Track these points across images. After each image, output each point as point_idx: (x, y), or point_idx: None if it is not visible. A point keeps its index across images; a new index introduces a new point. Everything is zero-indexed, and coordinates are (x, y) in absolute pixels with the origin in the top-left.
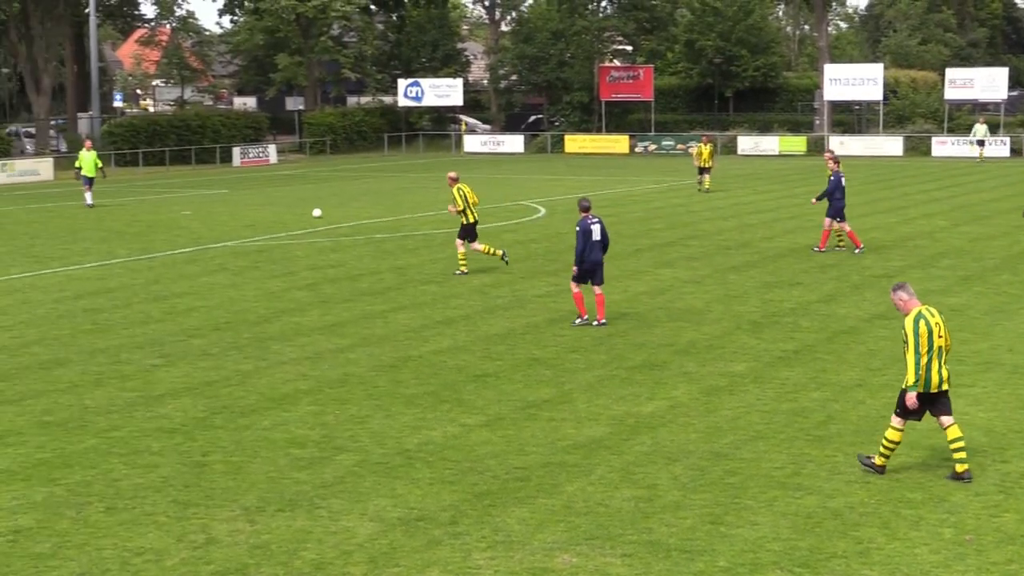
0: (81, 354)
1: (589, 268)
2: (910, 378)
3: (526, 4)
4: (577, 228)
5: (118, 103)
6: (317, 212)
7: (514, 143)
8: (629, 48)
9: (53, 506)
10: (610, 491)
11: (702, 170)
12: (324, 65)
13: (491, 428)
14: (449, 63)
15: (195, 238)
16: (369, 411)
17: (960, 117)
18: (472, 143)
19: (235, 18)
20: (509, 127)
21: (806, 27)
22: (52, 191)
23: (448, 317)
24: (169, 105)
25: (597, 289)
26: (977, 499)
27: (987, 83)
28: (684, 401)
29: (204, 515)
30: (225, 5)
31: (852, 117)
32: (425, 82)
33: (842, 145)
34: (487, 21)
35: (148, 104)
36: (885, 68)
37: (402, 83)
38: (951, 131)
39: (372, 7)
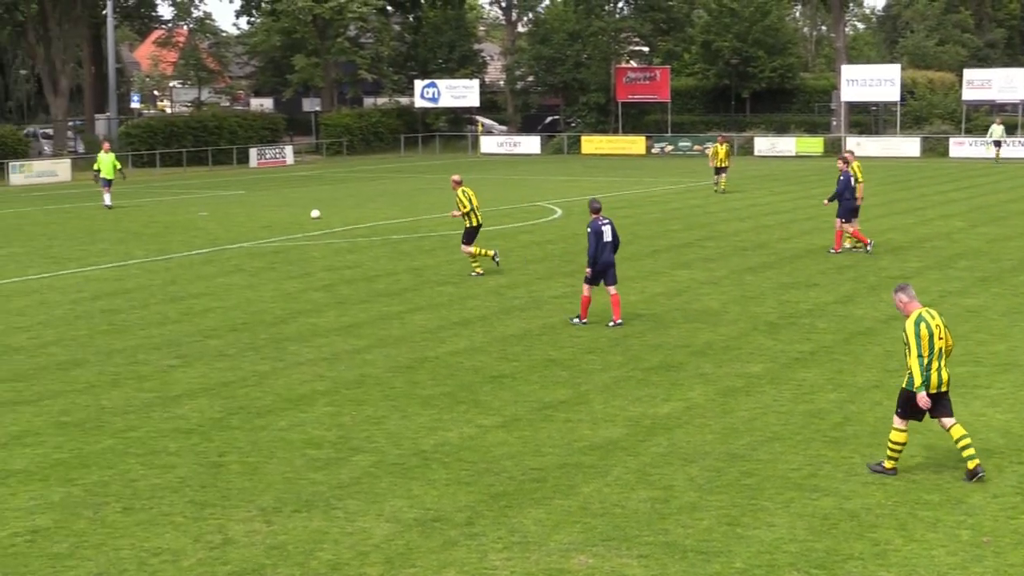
0: (98, 355)
1: (601, 269)
2: (916, 380)
3: (543, 5)
4: (588, 230)
5: (135, 104)
6: (315, 213)
7: (530, 144)
8: (646, 49)
9: (70, 506)
10: (626, 492)
11: (718, 170)
12: (341, 66)
13: (507, 429)
14: (466, 64)
15: (212, 239)
16: (385, 412)
17: (978, 118)
18: (488, 144)
19: (252, 19)
20: (525, 128)
21: (823, 28)
22: (70, 192)
23: (465, 318)
24: (186, 106)
25: (611, 289)
26: (995, 501)
27: (1005, 84)
28: (700, 402)
29: (221, 515)
30: (242, 6)
31: (869, 118)
32: (442, 83)
33: (859, 146)
34: (504, 22)
35: (165, 105)
36: (902, 69)
37: (419, 84)
38: (969, 132)
39: (389, 8)
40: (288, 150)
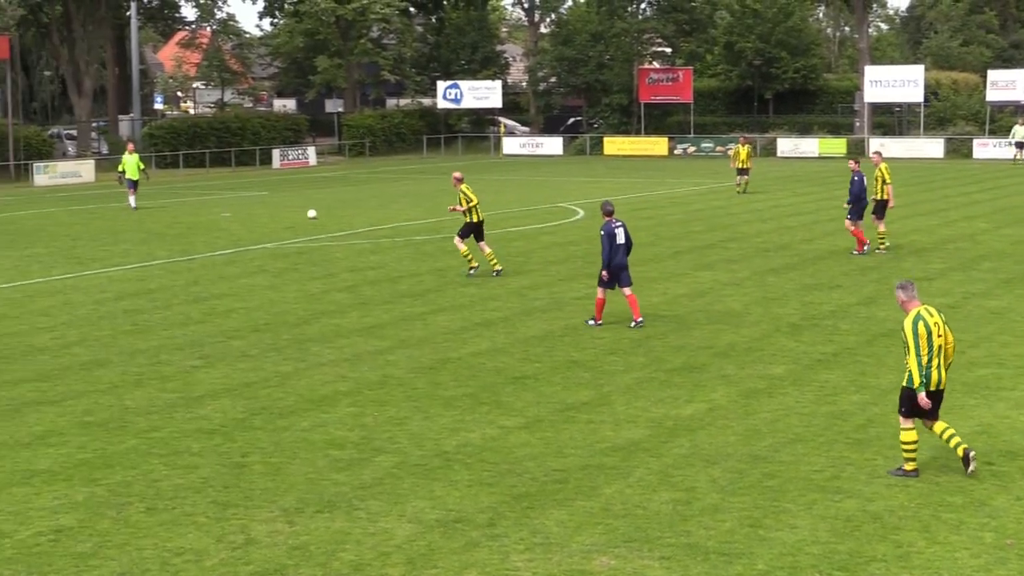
0: (121, 355)
1: (615, 272)
2: (915, 380)
3: (565, 6)
4: (601, 232)
5: (159, 105)
6: (312, 213)
7: (553, 145)
8: (668, 50)
9: (94, 506)
10: (648, 493)
11: (740, 171)
12: (363, 67)
13: (529, 430)
14: (488, 65)
15: (235, 240)
16: (408, 413)
17: (1002, 119)
18: (511, 145)
19: (275, 20)
20: (548, 129)
21: (846, 29)
22: (93, 193)
23: (487, 319)
24: (209, 107)
25: (627, 291)
26: (1018, 503)
27: None
28: (723, 404)
29: (243, 516)
30: (265, 8)
31: (893, 119)
32: (464, 84)
33: (882, 147)
34: (526, 23)
35: (188, 106)
36: (926, 70)
37: (441, 85)
38: (993, 133)
39: (411, 9)
40: (311, 151)
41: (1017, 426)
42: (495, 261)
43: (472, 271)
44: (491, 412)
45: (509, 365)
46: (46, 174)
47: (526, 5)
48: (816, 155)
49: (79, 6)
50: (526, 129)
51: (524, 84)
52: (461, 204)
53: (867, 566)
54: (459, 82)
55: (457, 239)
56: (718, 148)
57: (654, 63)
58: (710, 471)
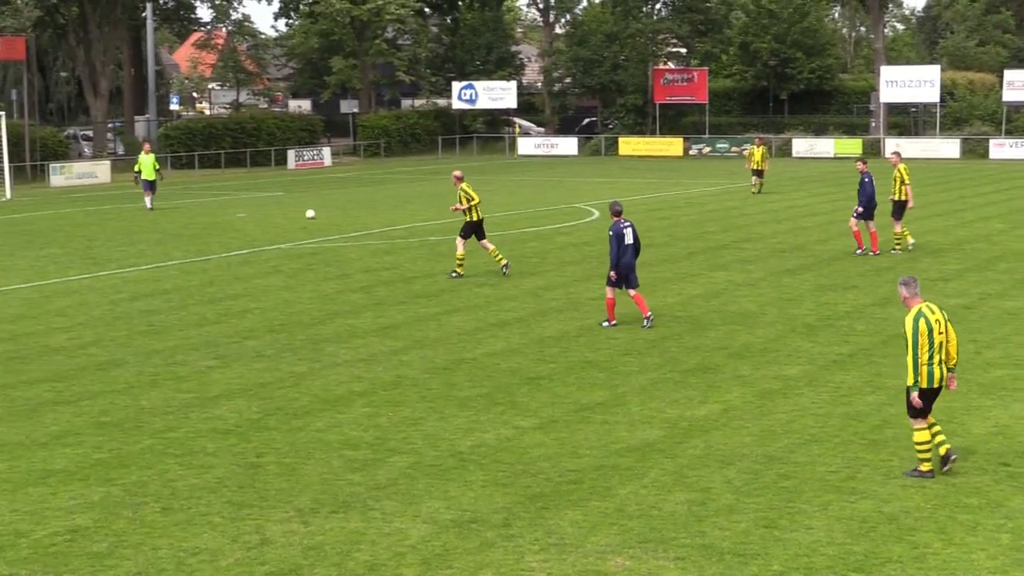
0: (137, 355)
1: (624, 272)
2: (909, 378)
3: (580, 7)
4: (610, 232)
5: (174, 106)
6: (310, 213)
7: (568, 146)
8: (683, 50)
9: (110, 506)
10: (663, 494)
11: (755, 172)
12: (378, 68)
13: (544, 431)
14: (503, 66)
15: (250, 240)
16: (422, 413)
17: (1019, 119)
18: (526, 146)
19: (290, 21)
20: (563, 130)
21: (862, 29)
22: (109, 193)
23: (502, 320)
24: (225, 108)
25: (632, 292)
26: None
27: None
28: (738, 404)
29: (258, 516)
30: (280, 9)
31: (908, 119)
32: (479, 85)
33: (898, 147)
34: (541, 24)
35: (204, 107)
36: (942, 70)
37: (456, 86)
38: (1009, 134)
39: (426, 10)
40: (326, 152)
41: None
42: (500, 257)
43: (455, 274)
44: (506, 413)
45: (524, 366)
46: (62, 175)
47: (541, 6)
48: (831, 156)
49: (95, 7)
50: (541, 130)
51: (539, 85)
52: (462, 203)
53: (883, 567)
54: (474, 83)
55: (459, 240)
56: (733, 149)
57: (669, 63)
58: (725, 472)
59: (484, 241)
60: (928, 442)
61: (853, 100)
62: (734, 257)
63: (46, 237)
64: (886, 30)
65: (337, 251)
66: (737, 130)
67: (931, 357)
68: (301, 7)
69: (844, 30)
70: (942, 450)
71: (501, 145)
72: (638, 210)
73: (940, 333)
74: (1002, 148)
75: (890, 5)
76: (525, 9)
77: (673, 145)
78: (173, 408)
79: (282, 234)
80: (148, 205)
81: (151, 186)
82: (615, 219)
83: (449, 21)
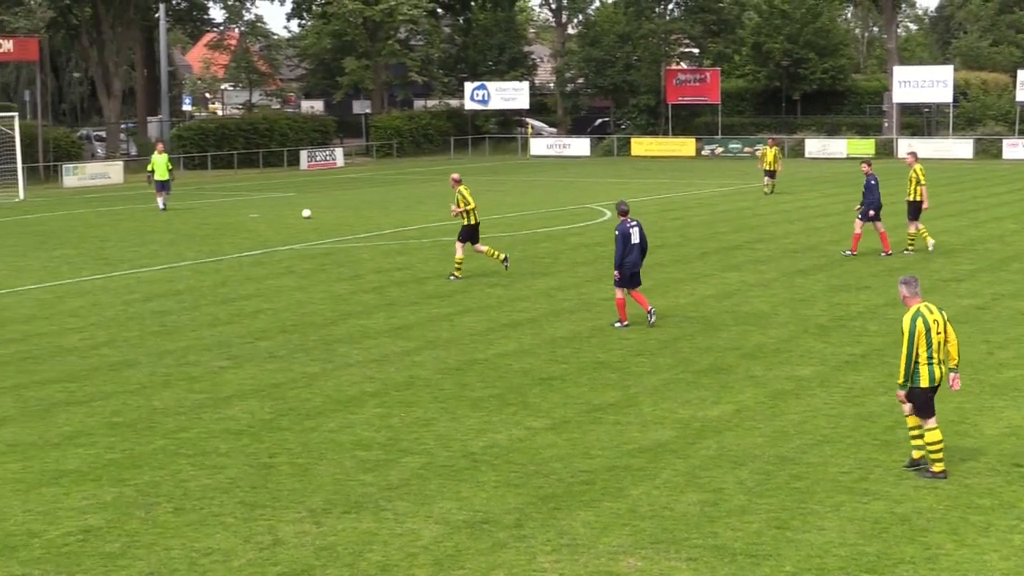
0: (150, 356)
1: (629, 271)
2: (899, 375)
3: (593, 7)
4: (616, 232)
5: (187, 107)
6: (306, 212)
7: (580, 146)
8: (696, 51)
9: (122, 506)
10: (675, 495)
11: (768, 173)
12: (391, 68)
13: (556, 431)
14: (515, 66)
15: (262, 241)
16: (435, 414)
17: None
18: (538, 146)
19: (303, 22)
20: (575, 130)
21: (875, 29)
22: (122, 194)
23: (514, 320)
24: (237, 109)
25: (634, 292)
26: None
27: None
28: (750, 405)
29: (271, 516)
30: (293, 9)
31: (921, 120)
32: (491, 85)
33: (910, 147)
34: (553, 24)
35: (216, 108)
36: (955, 70)
37: (468, 86)
38: (1022, 134)
39: (439, 10)
40: (338, 152)
41: None
42: (496, 254)
43: (454, 277)
44: (518, 413)
45: (536, 366)
46: (75, 175)
47: (553, 6)
48: (844, 156)
49: (108, 8)
50: (553, 130)
51: (551, 85)
52: (459, 205)
53: (895, 568)
54: (486, 83)
55: (458, 244)
56: (746, 149)
57: (682, 64)
58: (737, 472)
59: (477, 245)
60: (940, 442)
61: (866, 100)
62: (746, 258)
63: (59, 238)
64: (899, 30)
65: (349, 252)
66: (749, 130)
67: (930, 357)
68: (314, 8)
69: (857, 30)
70: (915, 454)
71: (513, 146)
72: (650, 211)
73: (938, 333)
74: (1015, 148)
75: (903, 5)
76: (537, 9)
77: (685, 146)
78: (185, 408)
79: (295, 235)
80: (160, 205)
81: (164, 186)
82: (622, 218)
83: (461, 21)
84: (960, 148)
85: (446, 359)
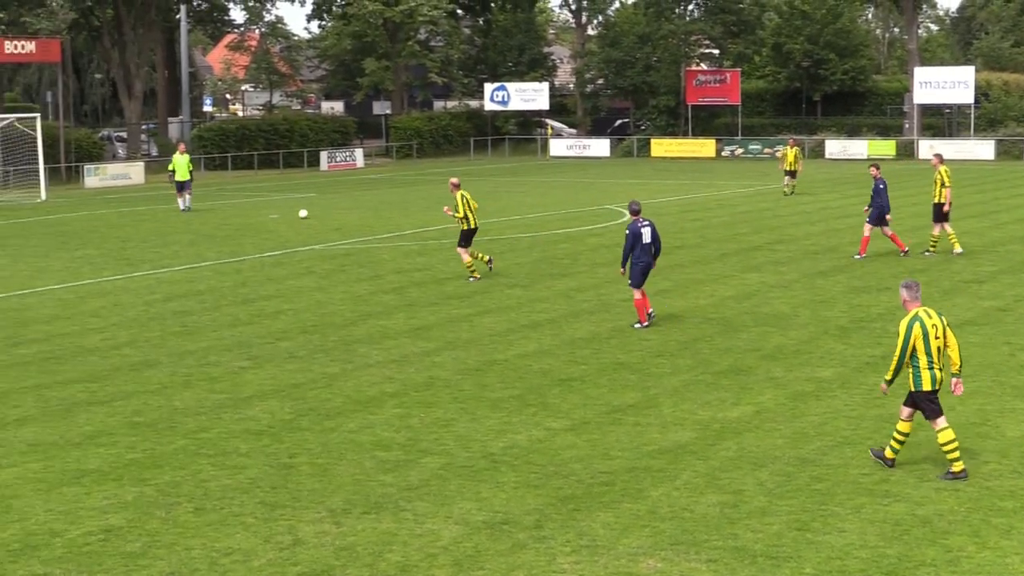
0: (170, 356)
1: (643, 271)
2: (888, 372)
3: (613, 8)
4: (627, 231)
5: (208, 107)
6: (303, 212)
7: (600, 147)
8: (716, 52)
9: (143, 506)
10: (695, 496)
11: (788, 173)
12: (411, 69)
13: (576, 432)
14: (535, 67)
15: (283, 241)
16: (454, 414)
17: None
18: (558, 147)
19: (323, 23)
20: (595, 131)
21: (896, 30)
22: (143, 195)
23: (533, 321)
24: (258, 109)
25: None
26: None
27: None
28: (770, 406)
29: (291, 516)
30: (313, 10)
31: (942, 121)
32: (511, 86)
33: (932, 149)
34: (573, 25)
35: (237, 108)
36: (977, 71)
37: (488, 87)
38: None
39: (459, 11)
40: (358, 153)
41: None
42: (481, 255)
43: (473, 279)
44: (537, 414)
45: (555, 367)
46: (96, 176)
47: (573, 7)
48: (865, 157)
49: (130, 9)
50: (573, 131)
51: (571, 86)
52: (458, 211)
53: (916, 571)
54: (506, 84)
55: (460, 249)
56: (766, 150)
57: (702, 65)
58: (757, 474)
59: (462, 250)
60: (951, 440)
61: (886, 101)
62: (767, 259)
63: (80, 238)
64: (920, 31)
65: (369, 252)
66: (770, 131)
67: (930, 362)
68: (334, 9)
69: (877, 31)
70: (888, 453)
71: (533, 147)
72: (670, 211)
73: (937, 338)
74: None
75: (924, 6)
76: (557, 10)
77: (705, 147)
78: (206, 409)
79: (315, 235)
80: (181, 206)
81: (185, 186)
82: (633, 218)
83: (481, 22)
84: (981, 149)
85: (466, 360)
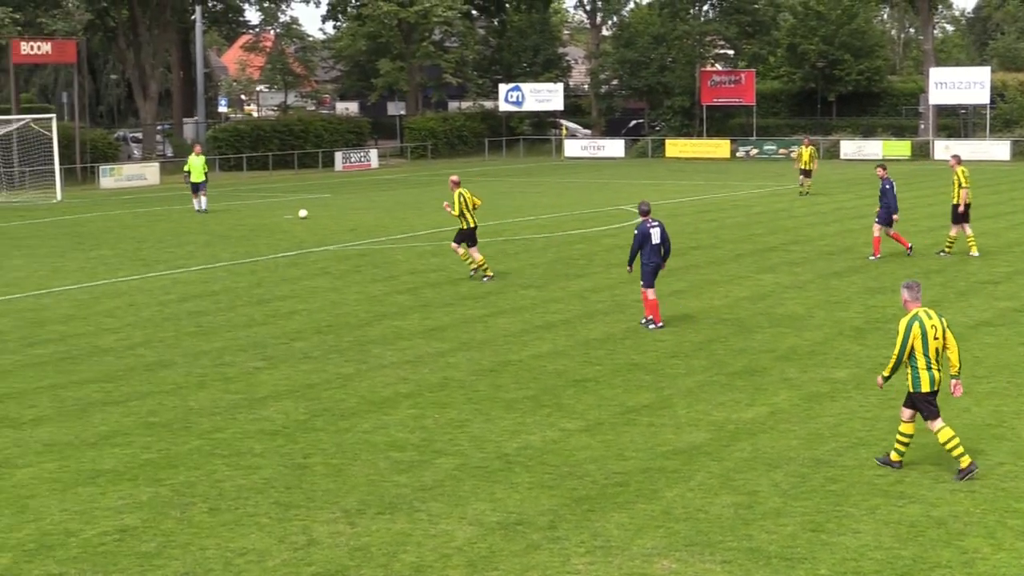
0: (185, 356)
1: (653, 272)
2: (886, 370)
3: (627, 8)
4: (636, 231)
5: (223, 108)
6: (303, 212)
7: (614, 148)
8: (731, 52)
9: (158, 506)
10: (710, 497)
11: (803, 172)
12: (425, 70)
13: (590, 433)
14: (550, 68)
15: (297, 242)
16: (469, 415)
17: None
18: (572, 148)
19: (338, 24)
20: (610, 132)
21: (911, 30)
22: (158, 195)
23: (548, 321)
24: (273, 110)
25: (646, 290)
26: None
27: None
28: (785, 407)
29: (305, 517)
30: (328, 11)
31: (958, 121)
32: (526, 87)
33: (947, 149)
34: (588, 26)
35: (252, 109)
36: (992, 71)
37: (503, 88)
38: None
39: (473, 12)
40: (373, 153)
41: None
42: (486, 267)
43: (487, 278)
44: (552, 415)
45: (570, 368)
46: (112, 177)
47: (588, 7)
48: (880, 158)
49: (145, 10)
50: (588, 132)
51: (586, 87)
52: (455, 209)
53: (931, 572)
54: (521, 85)
55: (470, 250)
56: (780, 151)
57: (716, 65)
58: (772, 475)
59: (473, 249)
60: (952, 437)
61: (902, 102)
62: (781, 260)
63: (96, 239)
64: (935, 31)
65: (384, 253)
66: (785, 132)
67: (928, 363)
68: (349, 10)
69: (893, 31)
70: (894, 456)
71: (548, 147)
72: (685, 212)
73: (936, 339)
74: None
75: (939, 6)
76: (572, 11)
77: (720, 147)
78: (221, 409)
79: (329, 236)
80: (197, 207)
81: (200, 188)
82: (643, 218)
83: (496, 23)
84: (997, 150)
85: (480, 360)
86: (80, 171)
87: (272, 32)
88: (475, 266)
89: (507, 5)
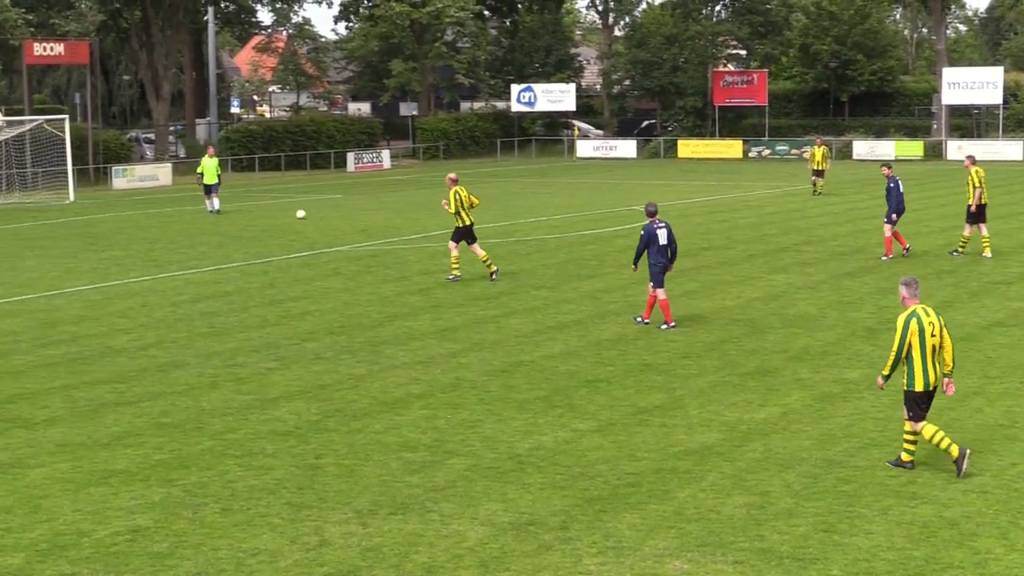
0: (198, 357)
1: (660, 272)
2: (885, 368)
3: (640, 9)
4: (642, 231)
5: (235, 109)
6: (301, 213)
7: (627, 148)
8: (743, 53)
9: (170, 506)
10: (722, 498)
11: (816, 172)
12: (438, 71)
13: (602, 433)
14: (562, 68)
15: (310, 243)
16: (481, 416)
17: None
18: (585, 148)
19: (350, 25)
20: (622, 132)
21: (924, 30)
22: (171, 196)
23: (560, 322)
24: (285, 111)
25: (653, 290)
26: None
27: None
28: (797, 408)
29: (317, 517)
30: (340, 12)
31: (971, 121)
32: (538, 87)
33: (960, 150)
34: (600, 26)
35: (264, 110)
36: (1005, 71)
37: (515, 88)
38: None
39: (486, 12)
40: (385, 154)
41: None
42: (489, 262)
43: (452, 278)
44: (564, 415)
45: (582, 368)
46: (124, 177)
47: (600, 8)
48: (892, 158)
49: (158, 11)
50: (600, 132)
51: (598, 87)
52: (451, 206)
53: (943, 573)
54: (533, 85)
55: (451, 243)
56: (793, 151)
57: (729, 66)
58: (784, 475)
59: (474, 246)
60: (939, 431)
61: (914, 102)
62: (793, 260)
63: (108, 239)
64: (948, 31)
65: (396, 253)
66: (797, 132)
67: (924, 361)
68: (361, 10)
69: (906, 31)
70: (954, 451)
71: (560, 148)
72: (697, 213)
73: (933, 336)
74: None
75: (952, 6)
76: (584, 11)
77: (732, 147)
78: (233, 409)
79: (341, 236)
80: (209, 208)
81: (212, 189)
82: (649, 219)
83: (508, 24)
84: (1010, 150)
85: (492, 361)
86: (93, 172)
87: (284, 33)
88: (493, 268)
89: (519, 5)
